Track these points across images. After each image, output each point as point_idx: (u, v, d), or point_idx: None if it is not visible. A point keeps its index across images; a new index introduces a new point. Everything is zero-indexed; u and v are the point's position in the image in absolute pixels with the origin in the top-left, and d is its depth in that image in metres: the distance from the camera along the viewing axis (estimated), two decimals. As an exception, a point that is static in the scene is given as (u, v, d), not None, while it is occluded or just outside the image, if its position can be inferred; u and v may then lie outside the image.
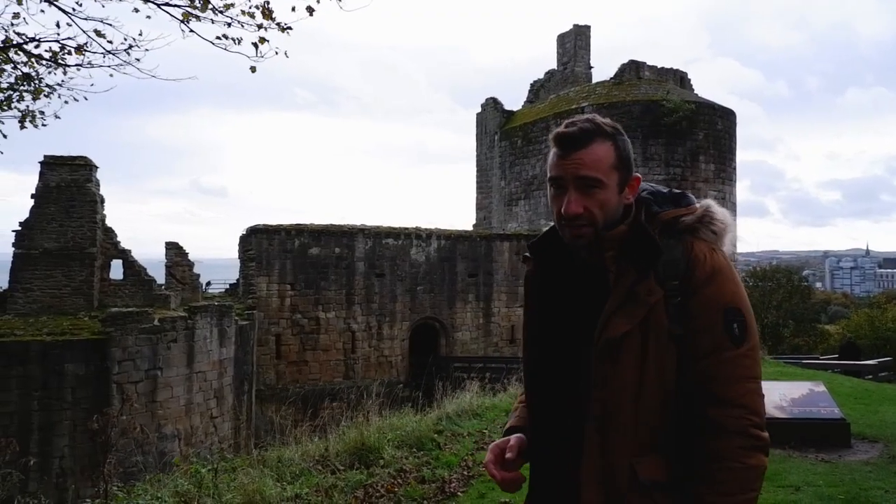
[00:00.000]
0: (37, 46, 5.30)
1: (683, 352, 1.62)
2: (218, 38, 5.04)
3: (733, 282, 1.66)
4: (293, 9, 5.01)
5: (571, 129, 1.69)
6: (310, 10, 4.99)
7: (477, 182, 34.70)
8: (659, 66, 30.85)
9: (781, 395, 7.52)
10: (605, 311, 1.63)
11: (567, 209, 1.65)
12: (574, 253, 1.77)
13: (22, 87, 5.66)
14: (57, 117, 5.89)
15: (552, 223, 1.86)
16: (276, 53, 5.13)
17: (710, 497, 1.57)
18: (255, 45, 4.99)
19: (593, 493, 1.62)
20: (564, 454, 1.70)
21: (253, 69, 5.18)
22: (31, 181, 26.57)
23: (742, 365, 1.61)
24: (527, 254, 1.92)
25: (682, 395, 1.63)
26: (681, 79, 31.51)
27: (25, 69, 5.49)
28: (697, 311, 1.62)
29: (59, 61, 5.29)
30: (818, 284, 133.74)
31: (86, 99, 5.75)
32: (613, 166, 1.68)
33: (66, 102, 5.77)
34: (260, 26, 5.00)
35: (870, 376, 15.41)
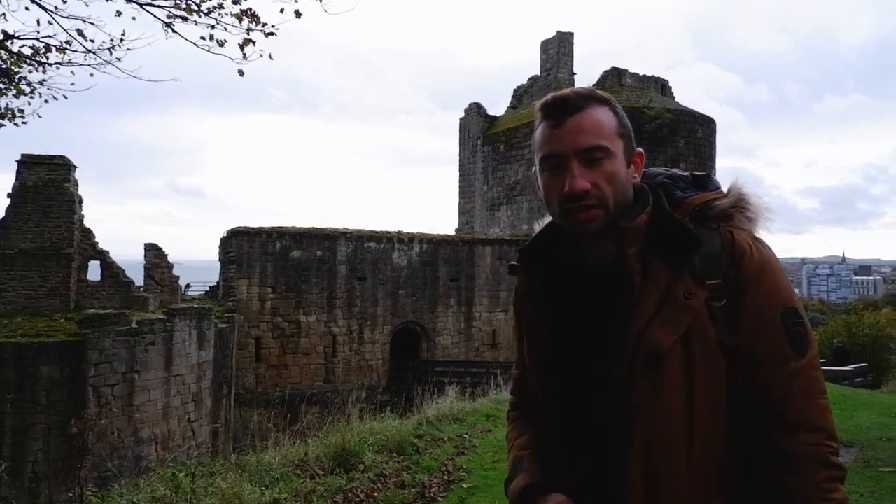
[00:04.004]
0: (18, 44, 5.23)
1: (734, 366, 1.32)
2: (202, 38, 5.01)
3: (784, 278, 1.37)
4: (282, 10, 5.01)
5: (562, 93, 1.42)
6: (297, 13, 4.98)
7: (460, 186, 34.75)
8: (641, 74, 31.17)
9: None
10: (636, 320, 1.33)
11: (573, 185, 1.34)
12: (577, 252, 1.47)
13: (1, 85, 5.57)
14: (38, 116, 5.82)
15: (542, 223, 1.59)
16: (261, 56, 5.12)
17: None
18: (241, 46, 4.97)
19: None
20: None
21: (241, 73, 5.16)
22: (8, 180, 26.24)
23: (810, 378, 1.32)
24: (514, 262, 1.60)
25: (736, 420, 1.34)
26: (662, 86, 31.86)
27: (4, 66, 5.42)
28: (749, 315, 1.32)
29: (41, 59, 5.23)
30: (795, 291, 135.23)
31: (66, 98, 5.69)
32: (617, 132, 1.41)
33: (45, 101, 5.70)
34: (248, 30, 4.98)
35: (846, 382, 15.66)
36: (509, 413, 1.77)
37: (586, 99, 1.40)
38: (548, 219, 1.57)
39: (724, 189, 1.49)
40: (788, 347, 1.31)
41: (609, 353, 1.36)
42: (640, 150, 1.48)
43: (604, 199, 1.36)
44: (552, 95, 1.43)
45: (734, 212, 1.43)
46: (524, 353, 1.59)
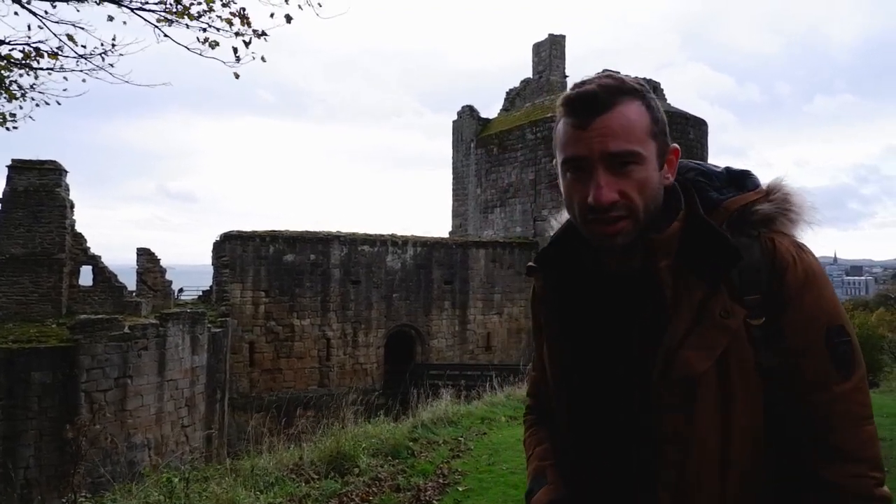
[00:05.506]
0: (8, 49, 5.21)
1: (774, 389, 1.21)
2: (197, 39, 5.01)
3: (830, 290, 1.25)
4: (271, 15, 5.01)
5: (588, 87, 1.25)
6: (288, 18, 4.98)
7: (453, 189, 34.77)
8: (632, 76, 31.25)
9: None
10: (667, 339, 1.21)
11: (598, 196, 1.19)
12: (596, 259, 1.35)
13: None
14: (31, 118, 5.80)
15: (560, 220, 1.47)
16: (253, 58, 5.12)
17: None
18: (235, 49, 4.97)
19: None
20: None
21: (237, 75, 5.16)
22: (-2, 185, 26.08)
23: (855, 402, 1.19)
24: (531, 264, 1.48)
25: (776, 447, 1.23)
26: (654, 88, 32.00)
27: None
28: (791, 334, 1.20)
29: (31, 64, 5.21)
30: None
31: (59, 103, 5.67)
32: (649, 132, 1.24)
33: (37, 105, 5.68)
34: (238, 34, 4.98)
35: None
36: (526, 416, 1.69)
37: (615, 93, 1.24)
38: (565, 215, 1.43)
39: (764, 186, 1.36)
40: (833, 368, 1.19)
41: (633, 366, 1.26)
42: (676, 146, 1.30)
43: (633, 210, 1.21)
44: (575, 90, 1.27)
45: (777, 215, 1.29)
46: (544, 358, 1.50)
